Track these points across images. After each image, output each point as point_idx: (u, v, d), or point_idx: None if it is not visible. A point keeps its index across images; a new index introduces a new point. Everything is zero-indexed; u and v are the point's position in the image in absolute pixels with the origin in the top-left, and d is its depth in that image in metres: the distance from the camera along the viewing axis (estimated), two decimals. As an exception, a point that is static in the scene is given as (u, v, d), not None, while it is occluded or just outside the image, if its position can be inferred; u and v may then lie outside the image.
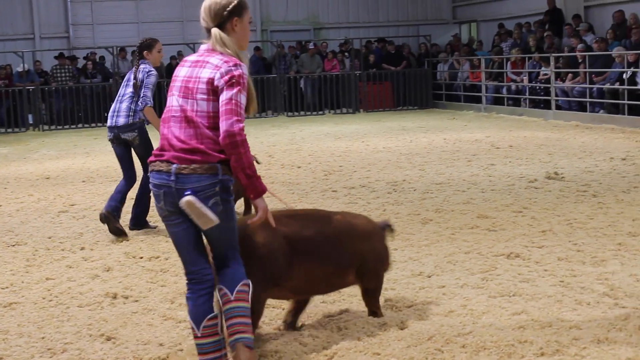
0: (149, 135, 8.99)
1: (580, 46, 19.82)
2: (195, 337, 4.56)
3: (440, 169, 12.45)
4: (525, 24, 24.62)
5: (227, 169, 4.45)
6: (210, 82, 4.44)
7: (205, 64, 4.51)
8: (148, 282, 6.70)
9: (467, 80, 25.35)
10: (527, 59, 21.97)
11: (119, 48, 25.37)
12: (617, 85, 17.94)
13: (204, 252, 4.61)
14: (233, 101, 4.39)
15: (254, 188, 4.44)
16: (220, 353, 4.55)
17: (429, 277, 6.41)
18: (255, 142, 17.35)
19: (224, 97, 4.40)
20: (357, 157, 14.22)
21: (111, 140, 8.86)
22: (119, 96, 8.89)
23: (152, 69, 8.91)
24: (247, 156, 4.38)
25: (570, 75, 19.91)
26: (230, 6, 4.56)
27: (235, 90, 4.40)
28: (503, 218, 8.52)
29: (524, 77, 22.07)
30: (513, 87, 22.78)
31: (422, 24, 30.18)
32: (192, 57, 4.65)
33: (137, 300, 6.20)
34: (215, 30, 4.53)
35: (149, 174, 4.60)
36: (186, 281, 4.64)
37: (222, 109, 4.39)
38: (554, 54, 20.44)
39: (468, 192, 10.29)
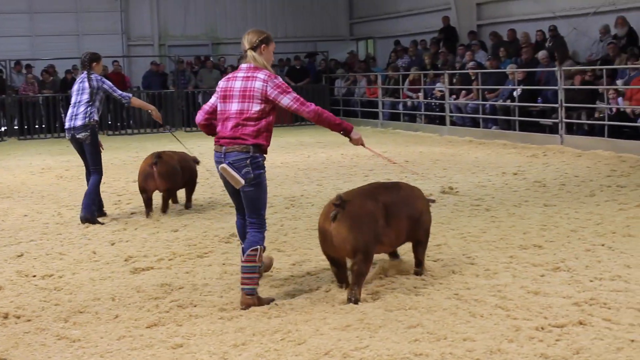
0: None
1: (471, 64, 20.32)
2: (241, 260, 6.33)
3: (338, 184, 12.55)
4: (420, 41, 25.10)
5: (258, 150, 6.35)
6: (264, 93, 6.31)
7: (255, 79, 6.35)
8: (41, 301, 6.55)
9: (364, 96, 25.65)
10: (422, 75, 22.37)
11: (13, 62, 24.86)
12: (508, 102, 18.42)
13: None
14: (295, 98, 6.34)
15: (344, 128, 6.46)
16: (253, 275, 6.25)
17: (327, 292, 6.45)
18: (153, 158, 17.17)
19: (286, 100, 6.32)
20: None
21: (70, 140, 10.24)
22: (75, 102, 10.15)
23: (100, 76, 10.37)
24: (329, 117, 6.45)
25: (464, 92, 20.36)
26: (262, 37, 6.47)
27: (290, 93, 6.34)
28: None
29: (420, 94, 22.46)
30: (409, 103, 23.15)
31: (320, 40, 30.45)
32: (240, 74, 6.43)
33: (29, 320, 6.04)
34: (249, 52, 6.42)
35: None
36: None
37: (294, 106, 6.33)
38: (448, 71, 20.87)
39: (365, 207, 10.39)
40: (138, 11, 28.66)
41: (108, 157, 17.07)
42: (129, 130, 24.53)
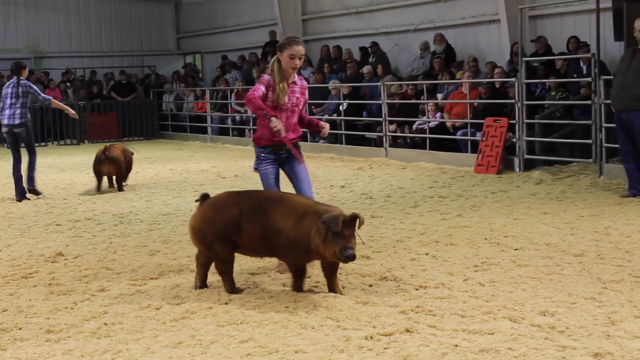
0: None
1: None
2: None
3: (167, 199, 12.44)
4: (250, 55, 25.26)
5: (256, 144, 7.48)
6: None
7: None
8: None
9: (192, 110, 25.55)
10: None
11: None
12: (335, 117, 18.78)
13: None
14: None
15: (261, 117, 7.20)
16: None
17: (157, 309, 6.37)
18: (-28, 176, 16.48)
19: None
20: (82, 189, 13.91)
21: (6, 132, 12.68)
22: (10, 105, 12.53)
23: (29, 82, 12.85)
24: (253, 107, 7.15)
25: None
26: (278, 45, 7.40)
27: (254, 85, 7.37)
28: (230, 247, 8.62)
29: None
30: (237, 117, 23.22)
31: (146, 54, 30.13)
32: None
33: None
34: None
35: None
36: None
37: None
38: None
39: (195, 222, 10.34)
40: (-46, 23, 27.49)
41: None
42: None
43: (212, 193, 12.73)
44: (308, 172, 7.70)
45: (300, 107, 7.62)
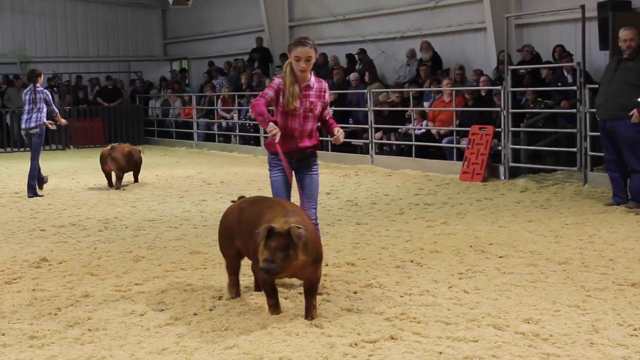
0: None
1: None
2: None
3: (153, 205, 12.41)
4: (235, 61, 25.26)
5: (267, 147, 7.15)
6: None
7: None
8: None
9: (179, 116, 25.54)
10: (236, 96, 22.49)
11: None
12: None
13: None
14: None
15: (261, 123, 6.87)
16: None
17: (142, 315, 6.36)
18: (-44, 181, 16.43)
19: None
20: (67, 195, 13.86)
21: (25, 135, 13.75)
22: (28, 110, 13.62)
23: (44, 89, 14.00)
24: (255, 112, 6.79)
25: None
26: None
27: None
28: (215, 254, 8.59)
29: (234, 115, 22.56)
30: (224, 124, 23.21)
31: (133, 60, 30.09)
32: None
33: None
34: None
35: None
36: None
37: None
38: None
39: (180, 228, 10.34)
40: (-61, 28, 27.40)
41: None
42: None
43: (197, 199, 12.77)
44: (318, 184, 7.27)
45: (317, 112, 7.11)
